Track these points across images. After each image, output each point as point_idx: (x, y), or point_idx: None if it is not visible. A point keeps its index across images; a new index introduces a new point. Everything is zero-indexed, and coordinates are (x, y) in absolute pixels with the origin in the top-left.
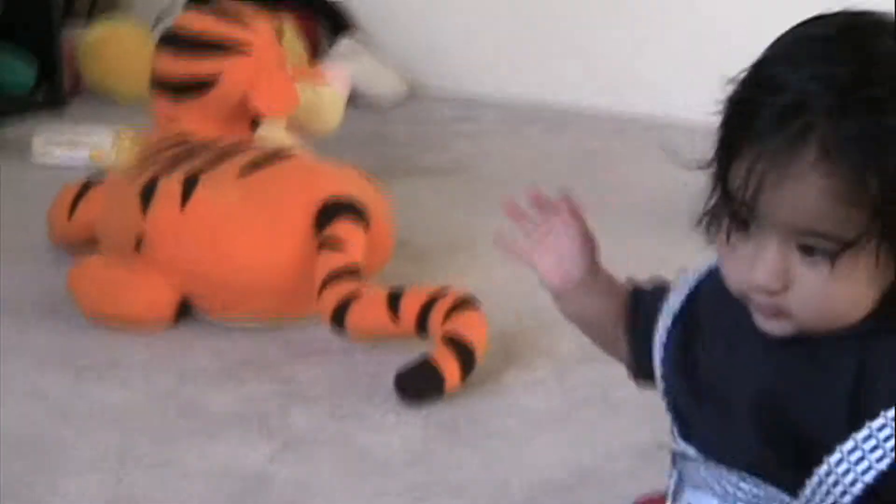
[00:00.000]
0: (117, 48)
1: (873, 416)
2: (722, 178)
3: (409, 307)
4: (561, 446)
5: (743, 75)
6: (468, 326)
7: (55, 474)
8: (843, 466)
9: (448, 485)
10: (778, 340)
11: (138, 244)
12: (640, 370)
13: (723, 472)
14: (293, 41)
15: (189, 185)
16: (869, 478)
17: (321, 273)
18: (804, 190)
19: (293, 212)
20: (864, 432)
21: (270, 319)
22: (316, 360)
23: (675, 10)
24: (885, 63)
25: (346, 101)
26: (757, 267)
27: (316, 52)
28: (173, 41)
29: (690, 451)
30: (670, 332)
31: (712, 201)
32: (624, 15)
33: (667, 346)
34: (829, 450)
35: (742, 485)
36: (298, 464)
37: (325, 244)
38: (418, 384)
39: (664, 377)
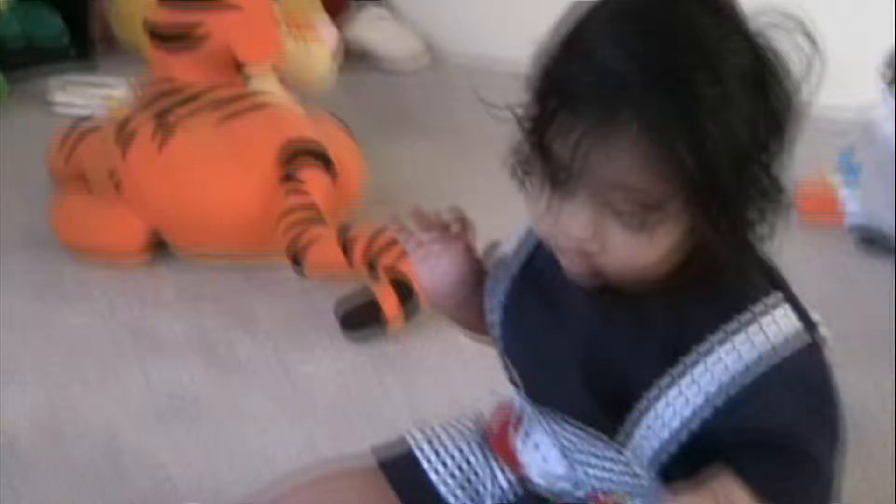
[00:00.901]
0: (146, 3)
1: (689, 354)
2: (538, 139)
3: (358, 246)
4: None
5: (558, 42)
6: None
7: None
8: (662, 402)
9: (368, 413)
10: (602, 300)
11: (117, 184)
12: None
13: (551, 415)
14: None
15: (167, 129)
16: (686, 413)
17: (280, 212)
18: (620, 160)
19: (258, 154)
20: (679, 368)
21: (237, 257)
22: (273, 294)
23: None
24: (702, 42)
25: (334, 57)
26: (572, 224)
27: (340, 16)
28: None
29: (523, 399)
30: (509, 294)
31: (524, 153)
32: None
33: (506, 307)
34: (649, 387)
35: (567, 427)
36: (232, 387)
37: (286, 186)
38: (360, 320)
39: (502, 337)
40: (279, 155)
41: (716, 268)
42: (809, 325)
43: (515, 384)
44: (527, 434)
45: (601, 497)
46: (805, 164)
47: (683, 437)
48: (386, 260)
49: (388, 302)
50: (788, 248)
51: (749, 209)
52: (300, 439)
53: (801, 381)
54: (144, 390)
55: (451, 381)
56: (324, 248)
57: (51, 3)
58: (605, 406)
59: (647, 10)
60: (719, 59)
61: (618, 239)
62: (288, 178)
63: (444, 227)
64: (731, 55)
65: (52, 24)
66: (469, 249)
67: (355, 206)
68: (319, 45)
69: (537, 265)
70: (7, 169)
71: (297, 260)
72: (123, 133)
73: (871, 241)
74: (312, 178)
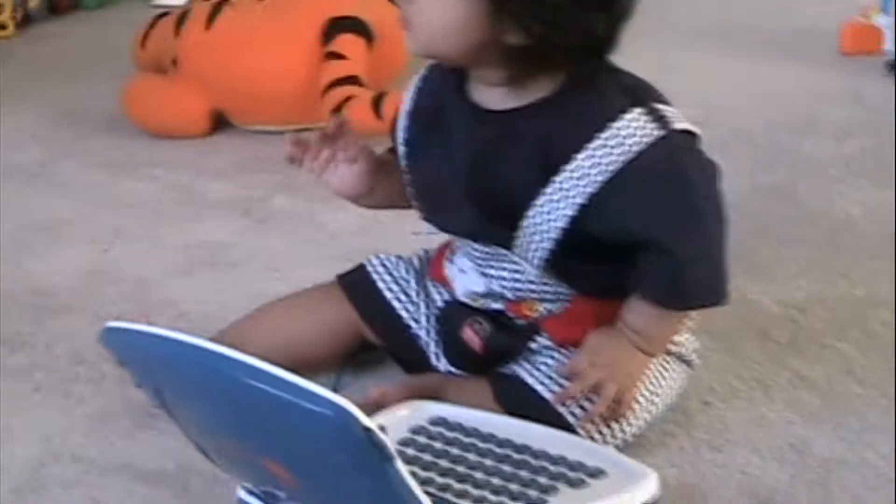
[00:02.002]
0: None
1: (562, 166)
2: None
3: (388, 108)
4: None
5: None
6: None
7: (53, 245)
8: (546, 207)
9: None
10: (480, 120)
11: (175, 64)
12: None
13: (462, 238)
14: None
15: (215, 10)
16: (560, 223)
17: (324, 80)
18: None
19: (302, 29)
20: (556, 178)
21: (289, 125)
22: None
23: None
24: None
25: None
26: None
27: None
28: None
29: (432, 228)
30: (408, 129)
31: None
32: None
33: (407, 142)
34: (534, 196)
35: (476, 246)
36: (262, 234)
37: (328, 56)
38: None
39: (407, 169)
40: (322, 31)
41: (577, 89)
42: (671, 128)
43: (423, 216)
44: (452, 259)
45: (515, 305)
46: (857, 4)
47: (562, 235)
48: None
49: None
50: (839, 73)
51: (564, 16)
52: (314, 279)
53: (665, 175)
54: (181, 245)
55: None
56: (358, 109)
57: None
58: (495, 220)
59: None
60: None
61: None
62: (329, 52)
63: (330, 138)
64: None
65: None
66: (359, 151)
67: (399, 72)
68: None
69: (428, 101)
70: (103, 61)
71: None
72: (182, 18)
73: None
74: (353, 51)
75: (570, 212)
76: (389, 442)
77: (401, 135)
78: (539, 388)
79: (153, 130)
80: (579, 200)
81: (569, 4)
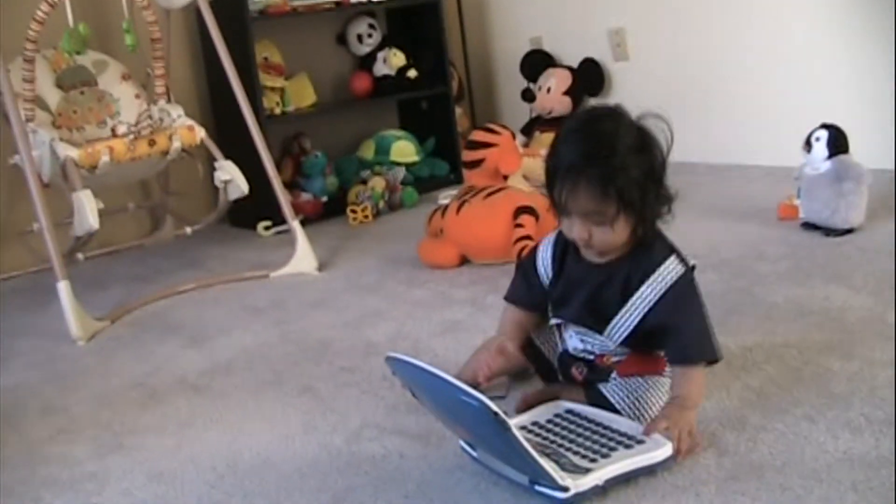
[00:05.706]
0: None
1: (633, 294)
2: (551, 196)
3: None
4: None
5: (550, 149)
6: None
7: (378, 322)
8: (624, 315)
9: None
10: (591, 270)
11: (443, 231)
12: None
13: (574, 325)
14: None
15: (462, 203)
16: (632, 325)
17: (513, 237)
18: (584, 198)
19: (504, 212)
20: (630, 300)
21: (497, 260)
22: (509, 276)
23: None
24: (609, 136)
25: None
26: (573, 232)
27: None
28: (468, 143)
29: (557, 319)
30: (552, 271)
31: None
32: None
33: (552, 270)
34: (618, 310)
35: (579, 328)
36: (481, 315)
37: (516, 226)
38: None
39: (551, 284)
40: (513, 212)
41: (643, 247)
42: (688, 266)
43: (558, 315)
44: (568, 333)
45: (600, 357)
46: (786, 193)
47: (635, 329)
48: None
49: None
50: (776, 229)
51: (655, 213)
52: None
53: (683, 294)
54: (438, 321)
55: None
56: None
57: (443, 158)
58: (599, 319)
59: (581, 127)
60: (618, 142)
61: (597, 233)
62: (517, 223)
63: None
64: (623, 138)
65: (443, 167)
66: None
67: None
68: (540, 160)
69: (559, 257)
70: (411, 232)
71: (518, 259)
72: (445, 209)
73: (808, 225)
74: (527, 222)
75: (637, 319)
76: (508, 419)
77: (547, 272)
78: (608, 395)
79: (431, 265)
80: (642, 313)
81: (660, 211)
